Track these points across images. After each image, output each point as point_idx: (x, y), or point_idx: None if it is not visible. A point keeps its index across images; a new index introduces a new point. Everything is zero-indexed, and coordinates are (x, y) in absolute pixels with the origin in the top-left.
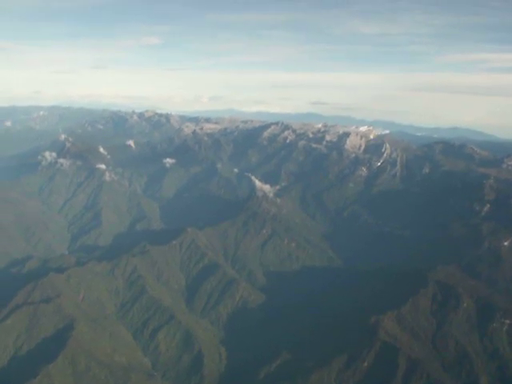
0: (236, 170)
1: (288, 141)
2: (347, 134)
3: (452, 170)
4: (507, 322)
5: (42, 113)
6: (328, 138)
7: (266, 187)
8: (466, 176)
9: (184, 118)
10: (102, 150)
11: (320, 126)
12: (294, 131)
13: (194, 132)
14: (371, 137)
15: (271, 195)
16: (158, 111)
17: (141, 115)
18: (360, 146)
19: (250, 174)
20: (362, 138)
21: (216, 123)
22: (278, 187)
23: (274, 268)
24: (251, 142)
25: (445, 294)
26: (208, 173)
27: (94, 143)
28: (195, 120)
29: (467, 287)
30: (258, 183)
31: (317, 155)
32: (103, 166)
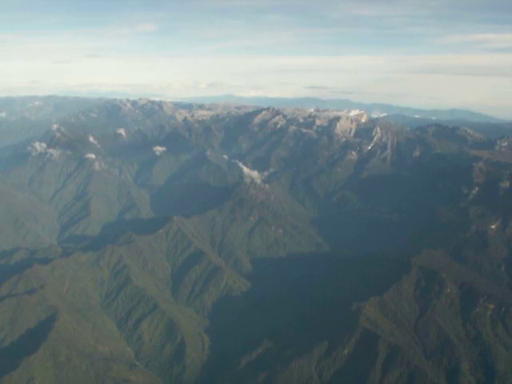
0: (226, 156)
1: (278, 126)
2: (337, 119)
3: (444, 153)
4: (491, 306)
5: (37, 103)
6: (318, 122)
7: (254, 173)
8: (457, 159)
9: (178, 105)
10: (91, 139)
11: (312, 110)
12: (284, 116)
13: (184, 119)
14: (363, 121)
15: (259, 181)
16: (155, 98)
17: (134, 103)
18: (350, 130)
19: (237, 161)
20: (352, 122)
21: (209, 109)
22: (266, 173)
23: (260, 255)
24: (242, 128)
25: (428, 280)
26: (198, 160)
27: (85, 133)
28: (189, 107)
29: (452, 272)
30: (245, 170)
31: (307, 140)
32: (93, 156)
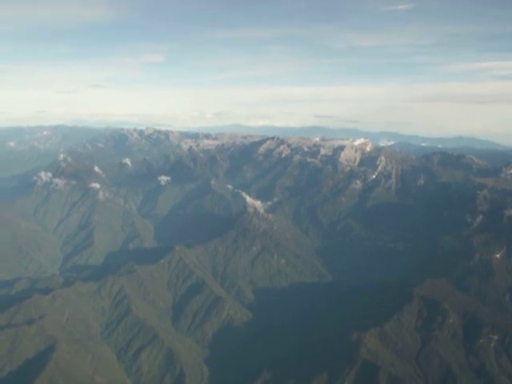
0: (230, 186)
1: (283, 155)
2: (342, 148)
3: (449, 181)
4: (495, 337)
5: (45, 133)
6: (323, 151)
7: (257, 203)
8: (462, 187)
9: (185, 135)
10: (96, 168)
11: (317, 139)
12: (289, 146)
13: (189, 149)
14: (367, 149)
15: (262, 211)
16: (163, 128)
17: (141, 132)
18: (355, 158)
19: (240, 191)
20: (357, 151)
21: (215, 139)
22: (270, 203)
23: (263, 285)
24: (247, 158)
25: (430, 310)
26: (202, 190)
27: (91, 162)
28: (195, 136)
29: (455, 302)
30: (248, 199)
31: (311, 169)
32: (97, 185)
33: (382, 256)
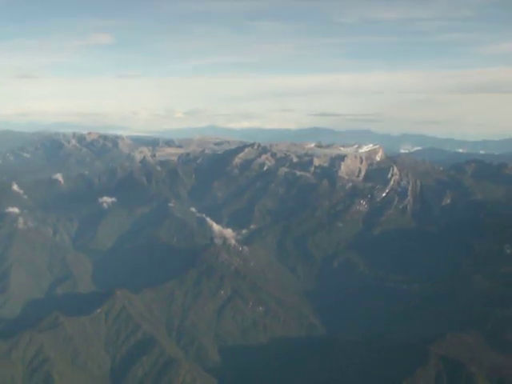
0: (194, 209)
1: (266, 168)
2: (342, 157)
3: (484, 199)
4: None
5: None
6: (317, 162)
7: (228, 232)
8: (501, 208)
9: (140, 141)
10: (16, 187)
11: (312, 145)
12: (273, 155)
13: (143, 160)
14: (377, 158)
15: (234, 242)
16: (117, 132)
17: (81, 139)
18: (359, 171)
19: (206, 216)
20: (362, 160)
21: (178, 147)
22: (245, 231)
23: (232, 342)
24: (218, 171)
25: (452, 374)
26: (158, 214)
27: (9, 178)
28: (153, 143)
29: (485, 363)
30: (216, 227)
31: (302, 186)
32: (16, 210)
33: (392, 302)
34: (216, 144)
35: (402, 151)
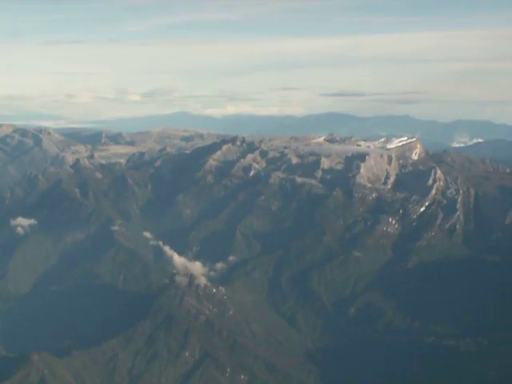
0: (148, 234)
1: (252, 173)
2: (362, 156)
3: None
4: None
5: None
6: (326, 163)
7: (196, 266)
8: None
9: (75, 136)
10: None
11: (321, 139)
12: (264, 154)
13: (76, 164)
14: (414, 157)
15: (205, 282)
16: (41, 123)
17: None
18: (387, 176)
19: (162, 243)
20: (392, 161)
21: (129, 144)
22: (221, 265)
23: None
24: (185, 179)
25: None
26: (98, 242)
27: None
28: (94, 139)
29: None
30: (178, 260)
31: (304, 198)
32: None
33: (434, 363)
34: (184, 139)
35: (455, 145)
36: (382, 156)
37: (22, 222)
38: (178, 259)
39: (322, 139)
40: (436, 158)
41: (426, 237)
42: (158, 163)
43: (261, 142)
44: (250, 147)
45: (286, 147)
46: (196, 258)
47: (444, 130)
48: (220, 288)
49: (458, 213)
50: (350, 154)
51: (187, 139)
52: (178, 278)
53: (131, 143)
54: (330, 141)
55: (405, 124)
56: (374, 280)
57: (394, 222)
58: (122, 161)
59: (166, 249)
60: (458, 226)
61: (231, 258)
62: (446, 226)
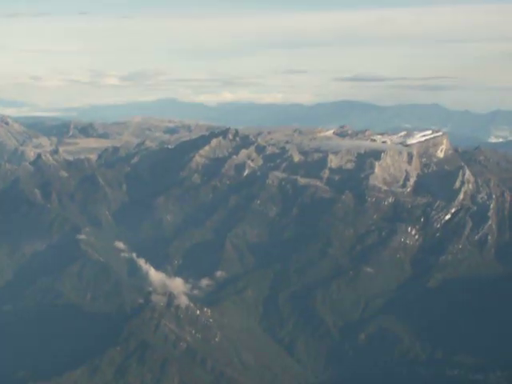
0: (121, 244)
1: (246, 172)
2: (377, 153)
3: None
4: None
5: None
6: (335, 162)
7: (177, 284)
8: None
9: (38, 127)
10: None
11: (330, 132)
12: (260, 150)
13: (37, 161)
14: (438, 154)
15: (187, 302)
16: (4, 111)
17: None
18: (406, 177)
19: (137, 255)
20: (412, 159)
21: (101, 137)
22: (207, 282)
23: None
24: (166, 179)
25: None
26: (61, 254)
27: None
28: (60, 130)
29: None
30: (155, 276)
31: (307, 203)
32: None
33: None
34: (168, 131)
35: (493, 140)
36: (400, 153)
37: None
38: (156, 275)
39: (330, 133)
40: (466, 155)
41: (452, 250)
42: (135, 160)
43: (258, 135)
44: (245, 141)
45: (287, 142)
46: (177, 273)
47: (480, 122)
48: (205, 309)
49: (490, 222)
50: (362, 151)
51: (172, 131)
52: (154, 298)
53: (104, 136)
54: (341, 135)
55: (433, 115)
56: (388, 301)
57: (413, 231)
58: (93, 157)
59: (142, 262)
60: (489, 238)
61: (219, 273)
62: (476, 237)
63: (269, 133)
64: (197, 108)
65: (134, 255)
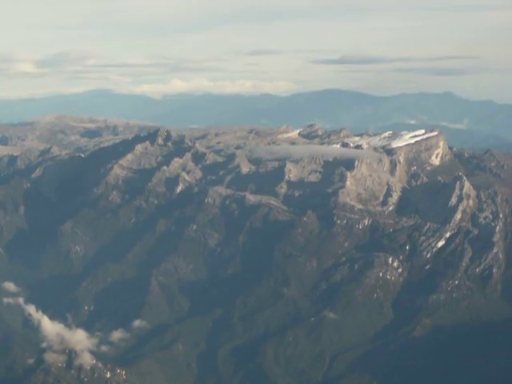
0: (12, 285)
1: (180, 188)
2: (349, 162)
3: None
4: None
5: None
6: (294, 172)
7: (79, 337)
8: None
9: None
10: None
11: (294, 133)
12: (199, 158)
13: None
14: (433, 161)
15: (93, 362)
16: None
17: None
18: (388, 192)
19: (26, 300)
20: (395, 167)
21: None
22: (122, 334)
23: None
24: (75, 198)
25: None
26: None
27: None
28: None
29: None
30: (51, 327)
31: (258, 229)
32: None
33: None
34: (87, 134)
35: None
36: (380, 160)
37: None
38: (50, 326)
39: (295, 133)
40: (473, 162)
41: (446, 287)
42: (36, 173)
43: (199, 138)
44: (179, 147)
45: (238, 147)
46: (81, 323)
47: (507, 115)
48: (118, 371)
49: (495, 249)
50: (330, 158)
51: (92, 134)
52: (49, 357)
53: (2, 141)
54: (308, 136)
55: (445, 107)
56: (361, 356)
57: (396, 264)
58: None
59: (32, 309)
60: (494, 271)
61: (138, 322)
62: (477, 269)
63: (216, 135)
64: (138, 101)
65: (21, 300)
